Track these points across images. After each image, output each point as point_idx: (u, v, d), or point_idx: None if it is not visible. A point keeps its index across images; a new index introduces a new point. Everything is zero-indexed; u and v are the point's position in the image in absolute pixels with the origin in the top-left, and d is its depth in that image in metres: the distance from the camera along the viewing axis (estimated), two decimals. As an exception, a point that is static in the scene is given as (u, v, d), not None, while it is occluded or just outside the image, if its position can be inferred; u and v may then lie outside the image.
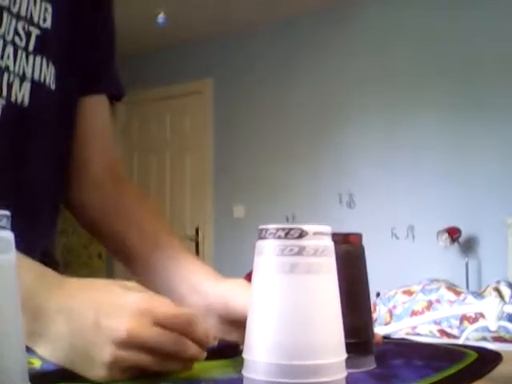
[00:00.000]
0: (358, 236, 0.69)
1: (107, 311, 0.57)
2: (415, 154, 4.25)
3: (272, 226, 0.49)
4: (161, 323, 0.58)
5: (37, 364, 0.59)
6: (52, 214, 0.92)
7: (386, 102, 4.39)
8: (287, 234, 0.49)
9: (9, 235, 0.41)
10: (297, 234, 0.49)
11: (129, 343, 0.56)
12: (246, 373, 0.49)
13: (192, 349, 0.60)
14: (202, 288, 0.79)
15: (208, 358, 0.62)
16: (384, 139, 4.38)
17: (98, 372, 0.56)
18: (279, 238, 0.49)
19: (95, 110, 0.96)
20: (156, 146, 5.55)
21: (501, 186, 3.93)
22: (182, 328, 0.59)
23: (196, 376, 0.60)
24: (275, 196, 4.77)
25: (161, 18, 4.05)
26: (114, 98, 1.00)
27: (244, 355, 0.50)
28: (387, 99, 4.38)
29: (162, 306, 0.60)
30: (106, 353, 0.56)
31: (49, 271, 0.64)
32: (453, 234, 3.87)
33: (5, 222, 0.41)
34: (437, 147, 4.19)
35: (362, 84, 4.49)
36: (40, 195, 0.87)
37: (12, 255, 0.41)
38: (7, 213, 0.42)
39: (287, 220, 4.65)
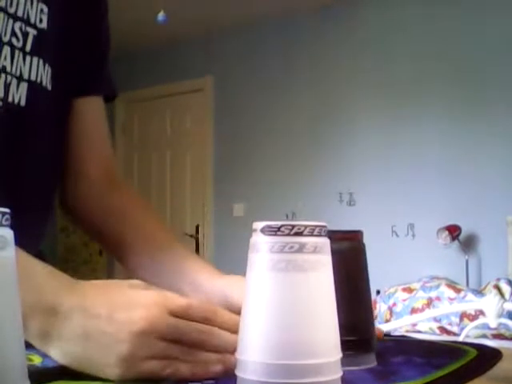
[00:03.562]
0: (359, 233, 0.69)
1: (122, 306, 0.56)
2: (415, 151, 4.25)
3: (267, 223, 0.48)
4: (178, 313, 0.56)
5: (37, 361, 0.59)
6: (46, 213, 0.92)
7: (387, 100, 4.39)
8: (283, 230, 0.48)
9: (8, 232, 0.41)
10: (294, 231, 0.48)
11: (146, 333, 0.54)
12: (239, 372, 0.49)
13: (221, 336, 0.57)
14: (201, 285, 0.80)
15: None
16: (384, 137, 4.37)
17: (114, 370, 0.53)
18: (275, 235, 0.48)
19: (90, 110, 0.96)
20: (156, 143, 5.55)
21: (501, 184, 3.93)
22: (203, 317, 0.57)
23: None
24: (275, 194, 4.77)
25: (161, 15, 4.04)
26: (108, 97, 1.00)
27: (237, 354, 0.49)
28: (388, 97, 4.38)
29: (178, 299, 0.58)
30: (123, 347, 0.53)
31: (58, 271, 0.62)
32: (453, 231, 3.87)
33: (4, 220, 0.41)
34: (437, 145, 4.19)
35: (363, 81, 4.49)
36: (35, 194, 0.87)
37: (11, 252, 0.41)
38: (7, 210, 0.42)
39: (287, 218, 4.65)
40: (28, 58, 0.82)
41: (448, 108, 4.17)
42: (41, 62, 0.84)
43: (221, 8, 4.68)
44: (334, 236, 0.58)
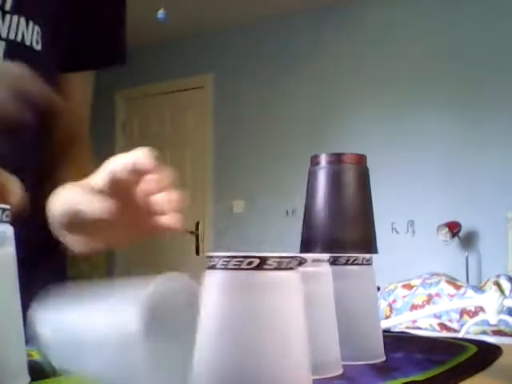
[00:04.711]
0: (363, 157, 0.79)
1: None
2: (415, 148, 4.25)
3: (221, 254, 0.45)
4: None
5: (36, 357, 0.59)
6: (35, 183, 0.90)
7: (387, 98, 4.38)
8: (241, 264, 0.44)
9: (8, 228, 0.41)
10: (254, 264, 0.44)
11: None
12: None
13: None
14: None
15: None
16: (384, 134, 4.37)
17: None
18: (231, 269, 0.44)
19: (79, 83, 0.95)
20: (156, 141, 5.54)
21: (501, 180, 3.93)
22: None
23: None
24: (275, 191, 4.77)
25: (161, 13, 4.03)
26: (110, 62, 0.97)
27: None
28: (387, 95, 4.38)
29: None
30: None
31: None
32: (453, 228, 3.87)
33: (5, 216, 0.41)
34: (437, 142, 4.18)
35: (363, 80, 4.49)
36: (21, 160, 0.85)
37: (11, 248, 0.41)
38: (7, 206, 0.41)
39: (287, 214, 4.65)
40: (8, 16, 0.80)
41: (448, 106, 4.16)
42: (22, 20, 0.81)
43: (221, 6, 4.68)
44: (342, 158, 0.73)
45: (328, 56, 4.65)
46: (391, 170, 4.28)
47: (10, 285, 0.41)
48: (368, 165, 0.80)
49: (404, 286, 3.48)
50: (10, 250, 0.41)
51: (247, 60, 5.04)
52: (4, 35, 0.80)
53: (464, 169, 4.07)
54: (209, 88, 5.23)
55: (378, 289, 3.58)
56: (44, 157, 0.90)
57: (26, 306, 0.47)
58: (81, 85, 0.96)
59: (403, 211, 4.25)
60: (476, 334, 2.90)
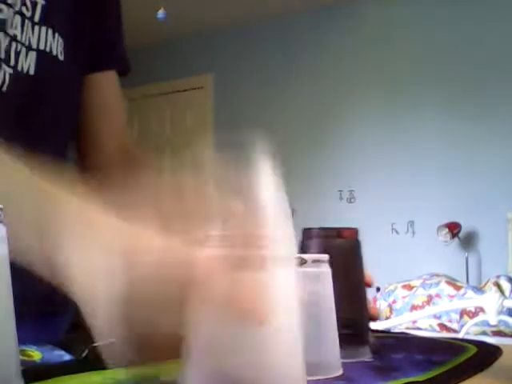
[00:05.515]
0: (354, 230, 0.70)
1: None
2: (415, 149, 4.25)
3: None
4: None
5: (37, 357, 0.59)
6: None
7: (387, 97, 4.38)
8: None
9: (0, 229, 0.40)
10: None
11: None
12: None
13: None
14: None
15: None
16: (384, 134, 4.37)
17: None
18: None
19: (106, 85, 1.00)
20: (156, 141, 5.55)
21: (501, 181, 3.93)
22: None
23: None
24: (275, 191, 4.77)
25: (161, 13, 4.03)
26: (121, 72, 1.04)
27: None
28: (387, 95, 4.38)
29: None
30: None
31: None
32: (453, 228, 3.87)
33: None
34: (437, 143, 4.18)
35: (363, 80, 4.49)
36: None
37: (4, 249, 0.40)
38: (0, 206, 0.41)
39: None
40: (37, 27, 0.83)
41: (448, 106, 4.17)
42: (50, 31, 0.85)
43: (221, 6, 4.68)
44: (331, 233, 0.62)
45: (328, 56, 4.65)
46: (391, 170, 4.28)
47: (2, 286, 0.40)
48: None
49: (404, 287, 3.48)
50: (2, 251, 0.40)
51: (247, 60, 5.04)
52: (34, 46, 0.83)
53: (464, 169, 4.07)
54: (209, 88, 5.23)
55: (378, 289, 3.59)
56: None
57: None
58: (110, 84, 1.01)
59: (403, 212, 4.25)
60: (476, 334, 2.90)
